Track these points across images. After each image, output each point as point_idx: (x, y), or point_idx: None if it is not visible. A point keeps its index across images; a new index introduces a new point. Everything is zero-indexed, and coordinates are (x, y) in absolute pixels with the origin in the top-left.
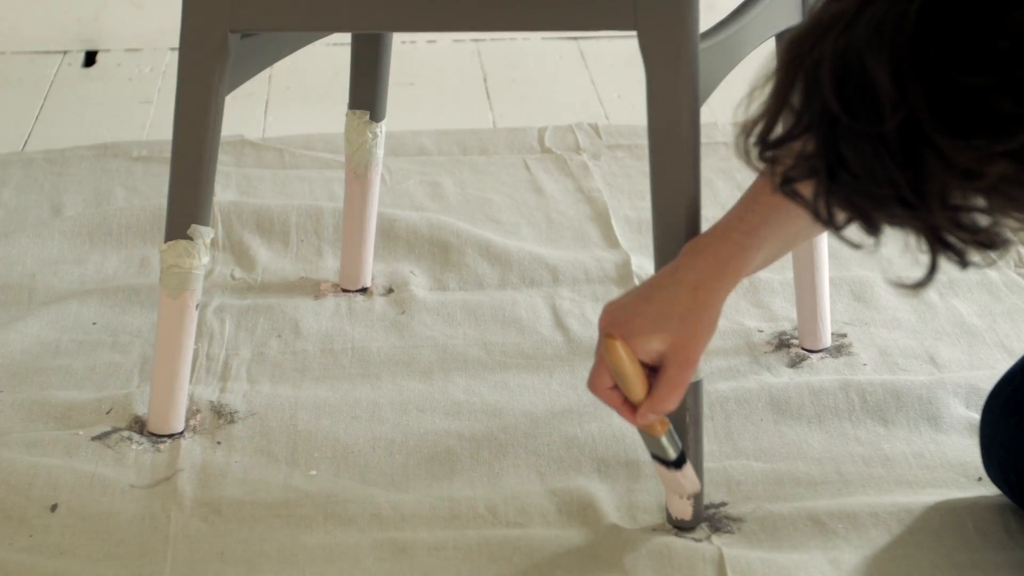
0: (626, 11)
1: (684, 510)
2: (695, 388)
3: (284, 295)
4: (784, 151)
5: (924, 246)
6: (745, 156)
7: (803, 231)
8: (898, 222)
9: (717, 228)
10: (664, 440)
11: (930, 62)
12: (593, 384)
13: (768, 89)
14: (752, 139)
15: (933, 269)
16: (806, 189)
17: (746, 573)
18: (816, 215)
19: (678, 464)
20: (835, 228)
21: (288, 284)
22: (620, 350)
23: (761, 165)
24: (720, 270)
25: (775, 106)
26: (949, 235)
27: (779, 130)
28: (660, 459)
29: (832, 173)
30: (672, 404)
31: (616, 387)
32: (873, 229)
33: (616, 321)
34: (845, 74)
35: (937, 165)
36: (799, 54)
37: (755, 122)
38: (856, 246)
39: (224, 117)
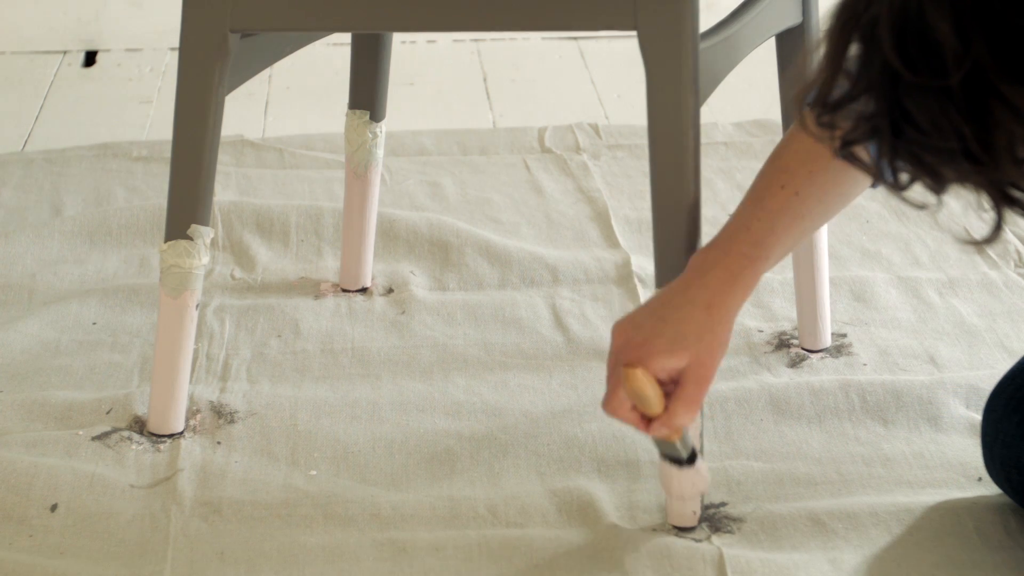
0: (626, 11)
1: (685, 518)
2: None
3: (284, 295)
4: (841, 115)
5: (989, 202)
6: (801, 124)
7: (810, 229)
8: (964, 177)
9: (723, 239)
10: (678, 444)
11: (993, 10)
12: (613, 408)
13: (820, 55)
14: (808, 105)
15: (999, 225)
16: (864, 153)
17: (746, 573)
18: (879, 176)
19: (691, 461)
20: (898, 188)
21: (288, 284)
22: (642, 377)
23: (820, 131)
24: (731, 286)
25: (830, 70)
26: (1015, 190)
27: (836, 94)
28: (672, 458)
29: (897, 130)
30: (688, 419)
31: (634, 407)
32: (939, 186)
33: (633, 342)
34: (904, 30)
35: (1004, 116)
36: (852, 15)
37: (809, 88)
38: (920, 206)
39: (224, 117)
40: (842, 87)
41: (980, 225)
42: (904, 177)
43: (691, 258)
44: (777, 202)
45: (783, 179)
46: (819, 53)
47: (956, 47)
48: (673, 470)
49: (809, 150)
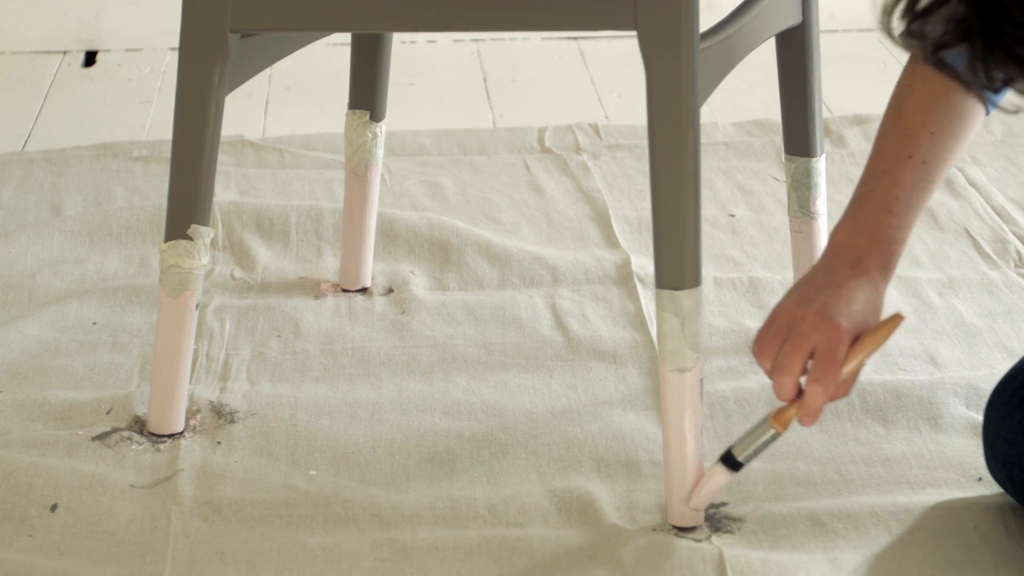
0: (626, 11)
1: (685, 518)
2: (699, 386)
3: (284, 295)
4: (930, 20)
5: None
6: (890, 35)
7: (932, 196)
8: None
9: (865, 222)
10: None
11: None
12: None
13: None
14: (897, 14)
15: None
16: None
17: (746, 573)
18: (970, 82)
19: (741, 467)
20: (992, 90)
21: (288, 284)
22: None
23: (908, 41)
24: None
25: None
26: None
27: (923, 1)
28: (732, 459)
29: (991, 28)
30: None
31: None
32: None
33: (856, 322)
34: None
35: None
36: None
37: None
38: (1013, 112)
39: (224, 117)
40: None
41: (980, 226)
42: (997, 81)
43: (835, 236)
44: (908, 174)
45: (910, 147)
46: None
47: None
48: (724, 474)
49: (925, 107)
